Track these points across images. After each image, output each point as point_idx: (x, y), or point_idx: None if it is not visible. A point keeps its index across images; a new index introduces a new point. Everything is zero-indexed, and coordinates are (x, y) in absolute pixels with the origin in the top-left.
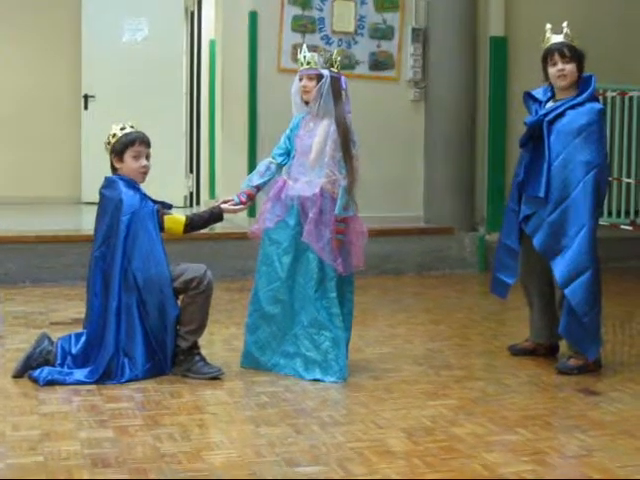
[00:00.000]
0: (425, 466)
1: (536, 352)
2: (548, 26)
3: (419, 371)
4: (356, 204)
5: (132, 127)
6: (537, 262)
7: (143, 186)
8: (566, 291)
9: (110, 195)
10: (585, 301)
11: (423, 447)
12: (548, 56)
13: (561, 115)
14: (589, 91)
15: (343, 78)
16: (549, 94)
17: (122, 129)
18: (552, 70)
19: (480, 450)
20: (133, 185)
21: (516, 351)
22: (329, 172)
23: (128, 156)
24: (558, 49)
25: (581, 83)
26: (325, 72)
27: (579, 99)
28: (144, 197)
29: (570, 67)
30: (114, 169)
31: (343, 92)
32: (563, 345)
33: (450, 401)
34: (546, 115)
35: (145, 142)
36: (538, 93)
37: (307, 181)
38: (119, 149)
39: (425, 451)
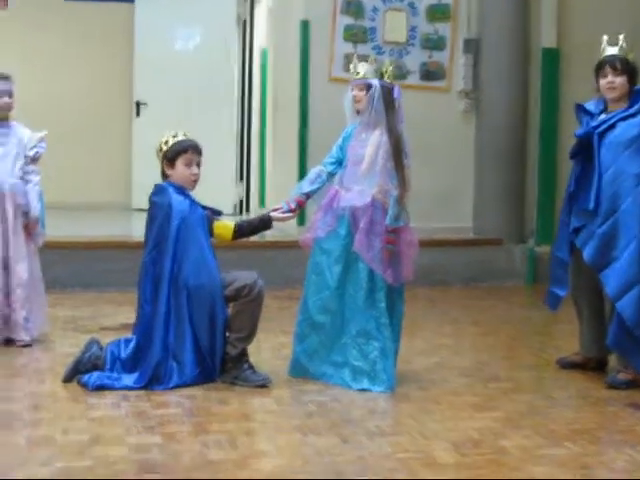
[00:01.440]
0: (472, 478)
1: (585, 366)
2: (605, 37)
3: (467, 383)
4: (407, 214)
5: (185, 135)
6: (588, 275)
7: (194, 193)
8: (617, 304)
9: (160, 201)
10: (636, 314)
11: (470, 459)
12: (600, 68)
13: (612, 127)
14: (639, 103)
15: (396, 88)
16: (601, 106)
17: (174, 136)
18: (602, 82)
19: (527, 463)
20: (183, 191)
21: (565, 364)
22: (381, 182)
23: (180, 163)
24: (610, 61)
25: (633, 95)
26: (374, 82)
27: (630, 111)
28: (193, 203)
29: (620, 80)
30: (165, 176)
31: (395, 102)
32: (612, 359)
33: (497, 413)
34: (597, 127)
35: (197, 150)
36: (590, 105)
37: (359, 191)
38: (171, 156)
39: (472, 464)
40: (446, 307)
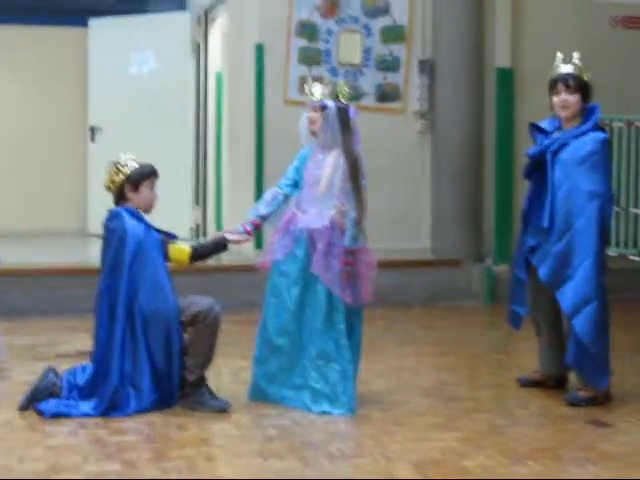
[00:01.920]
0: None
1: (545, 384)
2: (559, 55)
3: (427, 403)
4: (365, 235)
5: (135, 160)
6: (545, 293)
7: (150, 218)
8: (573, 322)
9: (114, 227)
10: (592, 332)
11: None
12: (553, 86)
13: (565, 145)
14: (592, 120)
15: (352, 108)
16: (556, 124)
17: (133, 160)
18: (555, 100)
19: None
20: (137, 216)
21: (525, 382)
22: (338, 203)
23: (145, 186)
24: (563, 79)
25: (585, 113)
26: (329, 103)
27: (582, 128)
28: (148, 227)
29: (573, 98)
30: (121, 200)
31: (351, 122)
32: (572, 377)
33: (459, 433)
34: (549, 146)
35: (157, 174)
36: (544, 124)
37: (316, 213)
38: (137, 180)
39: None
40: (405, 328)
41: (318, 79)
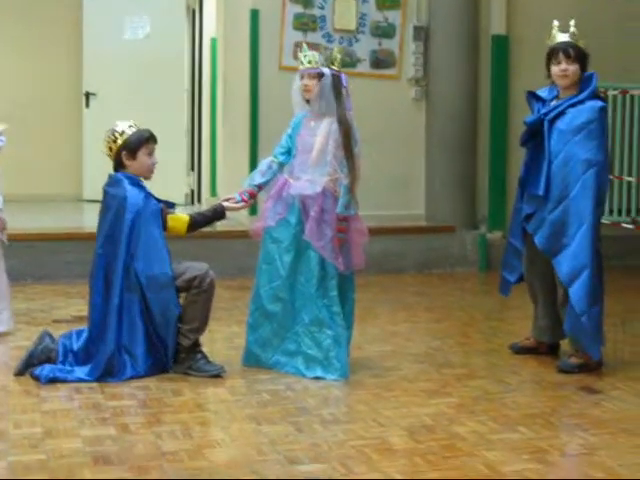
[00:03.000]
0: (426, 464)
1: (537, 350)
2: (555, 23)
3: (420, 369)
4: (357, 203)
5: (136, 125)
6: (541, 261)
7: (145, 183)
8: (569, 290)
9: (114, 193)
10: (585, 300)
11: (424, 445)
12: (553, 54)
13: (562, 113)
14: (590, 89)
15: (343, 76)
16: (555, 93)
17: (130, 127)
18: (555, 69)
19: (481, 449)
20: (138, 183)
21: (517, 349)
22: (331, 170)
23: (142, 153)
24: (563, 49)
25: (582, 81)
26: (326, 70)
27: (580, 97)
28: (148, 195)
29: (573, 67)
30: (120, 166)
31: (344, 90)
32: (564, 343)
33: (451, 399)
34: (547, 114)
35: (155, 139)
36: (543, 92)
37: (309, 179)
38: (134, 146)
39: (426, 449)
40: (399, 294)
41: (313, 46)
